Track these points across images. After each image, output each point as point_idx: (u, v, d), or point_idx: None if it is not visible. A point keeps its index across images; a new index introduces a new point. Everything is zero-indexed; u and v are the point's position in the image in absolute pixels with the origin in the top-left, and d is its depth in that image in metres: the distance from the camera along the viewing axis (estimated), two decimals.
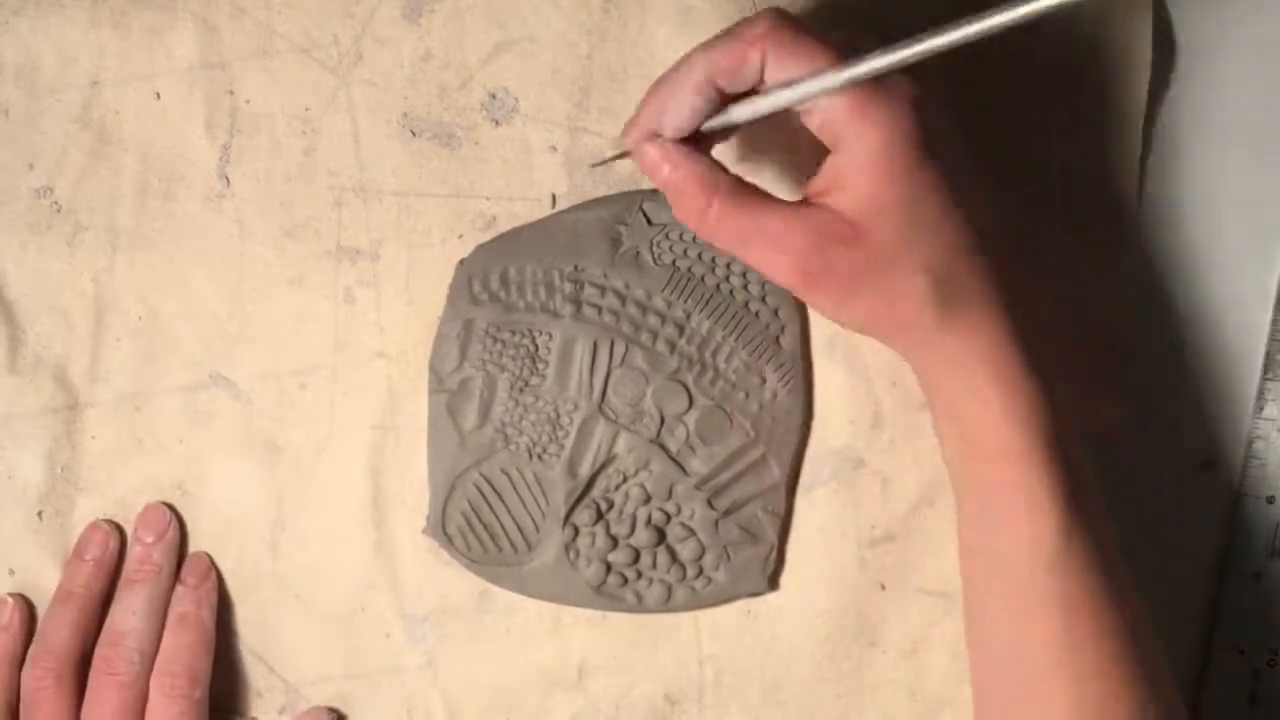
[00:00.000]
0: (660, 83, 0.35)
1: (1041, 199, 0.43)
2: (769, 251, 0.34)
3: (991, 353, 0.35)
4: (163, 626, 0.42)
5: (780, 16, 0.34)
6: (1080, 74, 0.43)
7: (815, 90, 0.33)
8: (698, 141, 0.35)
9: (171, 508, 0.43)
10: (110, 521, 0.43)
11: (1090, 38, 0.43)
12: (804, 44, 0.33)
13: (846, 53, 0.33)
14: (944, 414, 0.37)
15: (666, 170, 0.35)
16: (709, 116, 0.35)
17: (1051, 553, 0.35)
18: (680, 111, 0.34)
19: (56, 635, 0.41)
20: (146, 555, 0.43)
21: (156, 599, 0.42)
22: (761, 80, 0.34)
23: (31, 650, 0.41)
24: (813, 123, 0.34)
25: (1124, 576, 0.37)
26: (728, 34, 0.35)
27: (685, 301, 0.43)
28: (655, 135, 0.35)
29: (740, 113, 0.35)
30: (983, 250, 0.35)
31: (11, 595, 0.43)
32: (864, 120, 0.33)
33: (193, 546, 0.44)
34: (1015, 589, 0.36)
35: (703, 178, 0.35)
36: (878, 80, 0.33)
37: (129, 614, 0.42)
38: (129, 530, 0.43)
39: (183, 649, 0.41)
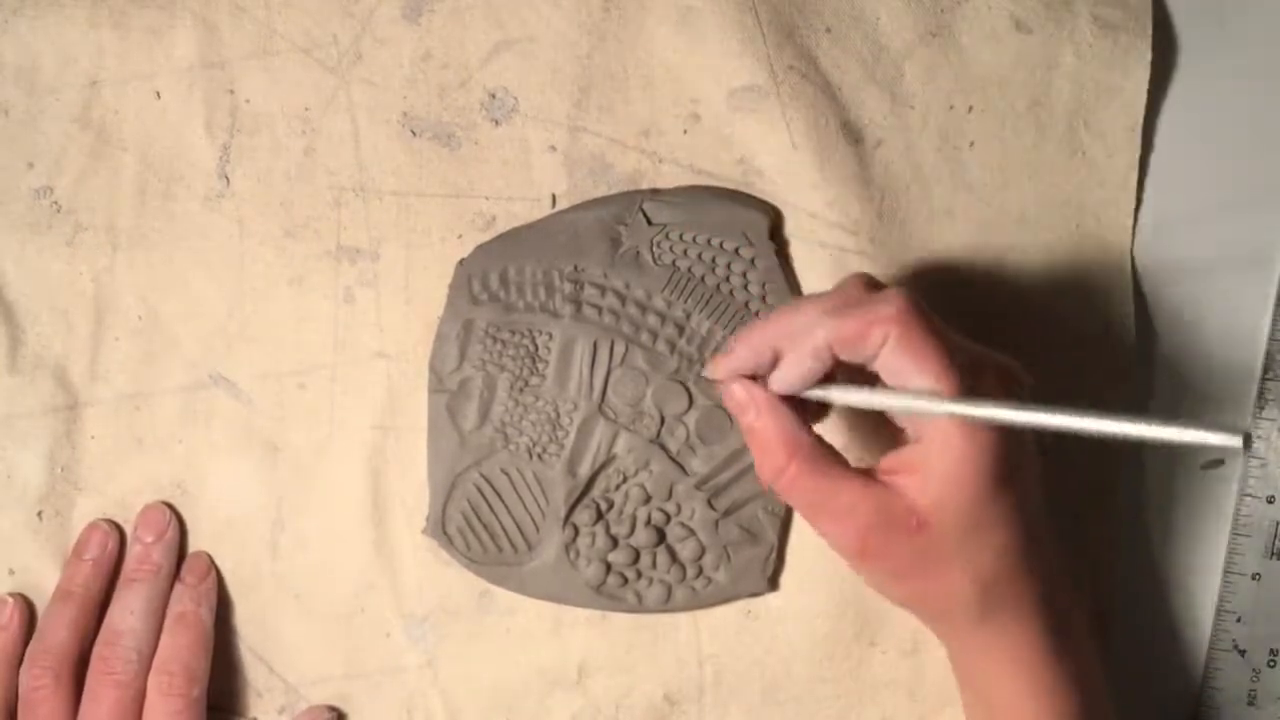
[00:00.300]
0: (767, 329, 0.35)
1: (1041, 198, 0.44)
2: (832, 521, 0.35)
3: (1025, 652, 0.36)
4: (161, 626, 0.42)
5: (913, 305, 0.33)
6: (1081, 74, 0.43)
7: (922, 410, 0.33)
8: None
9: (171, 507, 0.43)
10: (109, 521, 0.43)
11: (1091, 40, 0.43)
12: (925, 341, 0.33)
13: (963, 358, 0.33)
14: (976, 697, 0.38)
15: (752, 417, 0.35)
16: (818, 381, 0.35)
17: None
18: (796, 373, 0.34)
19: (55, 634, 0.41)
20: (146, 555, 0.43)
21: (155, 598, 0.42)
22: (876, 358, 0.34)
23: (30, 649, 0.41)
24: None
25: None
26: (855, 300, 0.34)
27: (685, 301, 0.42)
28: (749, 377, 0.35)
29: (840, 397, 0.35)
30: (1029, 553, 0.35)
31: (11, 595, 0.43)
32: (958, 428, 0.33)
33: (192, 546, 0.44)
34: None
35: (787, 436, 0.35)
36: (975, 388, 0.33)
37: (127, 613, 0.42)
38: (128, 530, 0.43)
39: (180, 648, 0.41)
